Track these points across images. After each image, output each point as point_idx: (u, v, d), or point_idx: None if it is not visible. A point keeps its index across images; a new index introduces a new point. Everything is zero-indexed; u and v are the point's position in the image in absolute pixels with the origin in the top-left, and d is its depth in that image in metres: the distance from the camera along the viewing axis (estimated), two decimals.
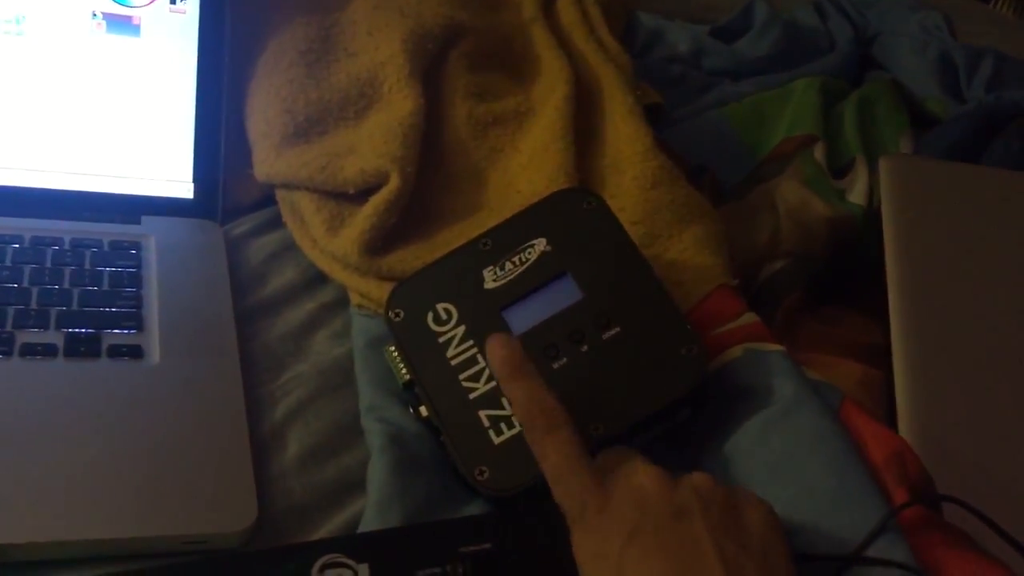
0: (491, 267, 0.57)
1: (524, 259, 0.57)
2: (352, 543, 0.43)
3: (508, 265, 0.57)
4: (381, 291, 0.62)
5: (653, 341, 0.53)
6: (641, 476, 0.44)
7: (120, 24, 0.65)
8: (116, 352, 0.56)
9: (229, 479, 0.51)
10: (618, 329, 0.54)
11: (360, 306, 0.63)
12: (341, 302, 0.65)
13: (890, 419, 0.59)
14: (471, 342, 0.55)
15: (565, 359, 0.53)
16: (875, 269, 0.67)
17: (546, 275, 0.56)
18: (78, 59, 0.65)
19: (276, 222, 0.69)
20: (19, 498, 0.47)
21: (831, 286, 0.70)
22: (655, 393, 0.52)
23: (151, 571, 0.40)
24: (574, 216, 0.58)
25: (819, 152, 0.78)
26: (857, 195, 0.75)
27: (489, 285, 0.56)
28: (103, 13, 0.65)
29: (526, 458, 0.50)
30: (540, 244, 0.57)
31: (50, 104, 0.64)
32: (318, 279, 0.66)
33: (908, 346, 0.62)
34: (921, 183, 0.73)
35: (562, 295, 0.55)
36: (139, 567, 0.41)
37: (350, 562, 0.41)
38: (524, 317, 0.55)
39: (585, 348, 0.54)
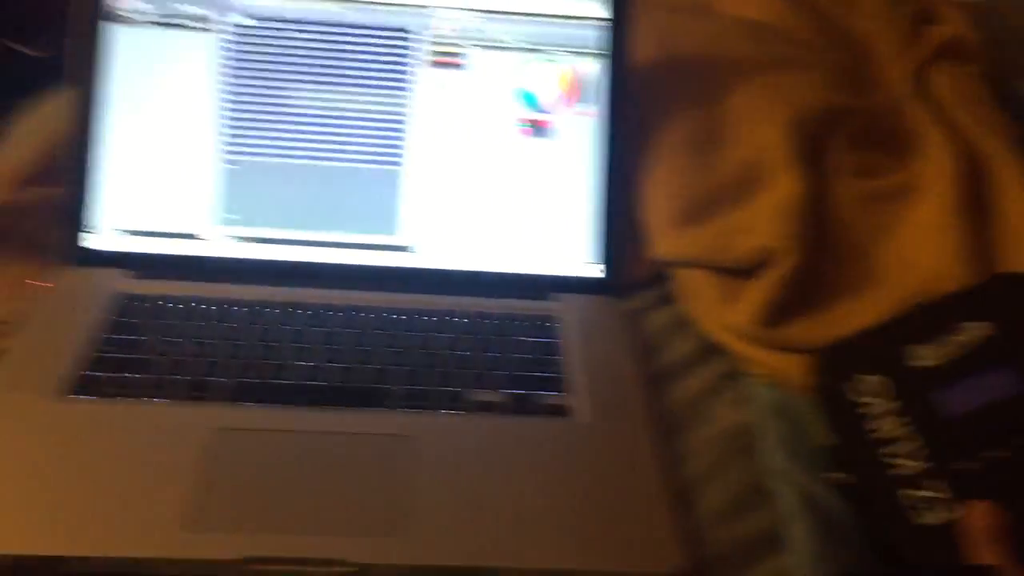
0: (923, 344, 0.56)
1: (961, 341, 0.55)
2: None
3: (942, 345, 0.56)
4: (778, 360, 0.66)
5: None
6: None
7: (539, 129, 0.76)
8: (545, 411, 0.64)
9: (650, 525, 0.57)
10: None
11: (758, 375, 0.67)
12: (735, 372, 0.69)
13: None
14: (897, 418, 0.54)
15: (999, 451, 0.52)
16: None
17: (987, 362, 0.54)
18: (506, 162, 0.76)
19: (668, 297, 0.75)
20: (478, 528, 0.56)
21: None
22: None
23: None
24: (1022, 303, 0.56)
25: None
26: None
27: (918, 362, 0.56)
28: (528, 121, 0.75)
29: (946, 545, 0.49)
30: (982, 328, 0.55)
31: (484, 203, 0.75)
32: (710, 350, 0.71)
33: None
34: None
35: (1002, 384, 0.54)
36: None
37: None
38: (957, 401, 0.54)
39: None
